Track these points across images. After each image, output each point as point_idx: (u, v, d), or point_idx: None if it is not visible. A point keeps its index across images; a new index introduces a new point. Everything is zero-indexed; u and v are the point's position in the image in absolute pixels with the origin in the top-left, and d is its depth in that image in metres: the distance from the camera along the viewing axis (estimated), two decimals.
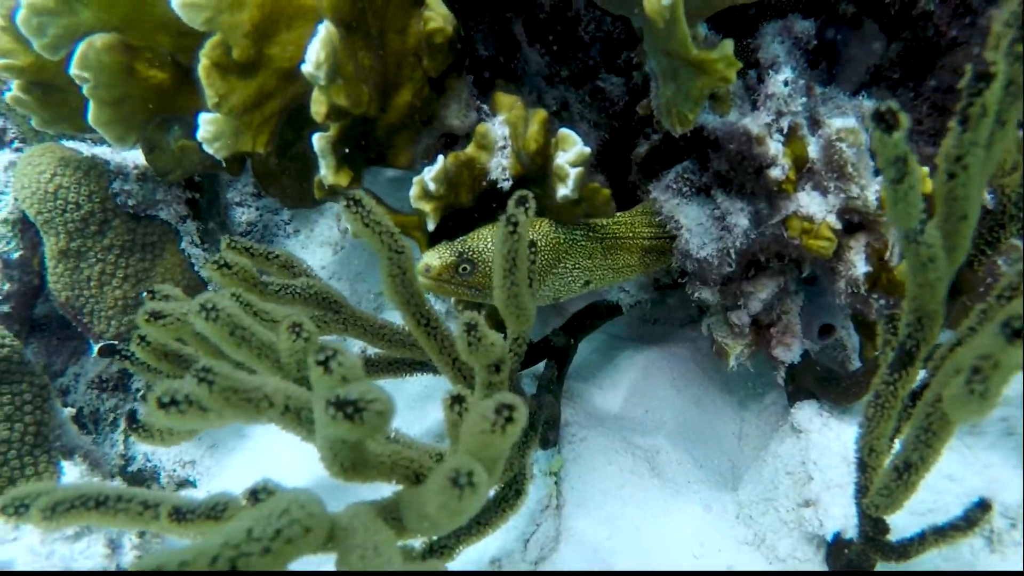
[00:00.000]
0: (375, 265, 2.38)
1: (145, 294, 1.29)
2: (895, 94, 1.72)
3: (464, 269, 1.43)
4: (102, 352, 1.92)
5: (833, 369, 1.69)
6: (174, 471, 2.06)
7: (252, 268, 1.29)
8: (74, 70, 1.41)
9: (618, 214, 1.65)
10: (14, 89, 1.59)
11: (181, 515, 0.85)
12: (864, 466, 1.16)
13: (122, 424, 2.05)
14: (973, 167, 0.87)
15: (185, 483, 2.05)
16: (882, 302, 1.48)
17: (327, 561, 0.79)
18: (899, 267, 1.44)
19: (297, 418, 0.80)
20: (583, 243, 1.57)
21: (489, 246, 1.45)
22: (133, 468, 2.05)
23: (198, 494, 1.97)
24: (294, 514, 0.61)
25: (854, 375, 1.62)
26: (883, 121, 0.79)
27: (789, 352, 1.65)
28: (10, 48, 1.53)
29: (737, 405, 1.94)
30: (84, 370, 2.12)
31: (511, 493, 1.28)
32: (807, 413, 1.66)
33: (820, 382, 1.67)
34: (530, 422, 1.41)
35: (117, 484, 1.74)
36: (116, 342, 1.90)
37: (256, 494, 0.82)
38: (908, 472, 1.05)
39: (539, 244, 1.50)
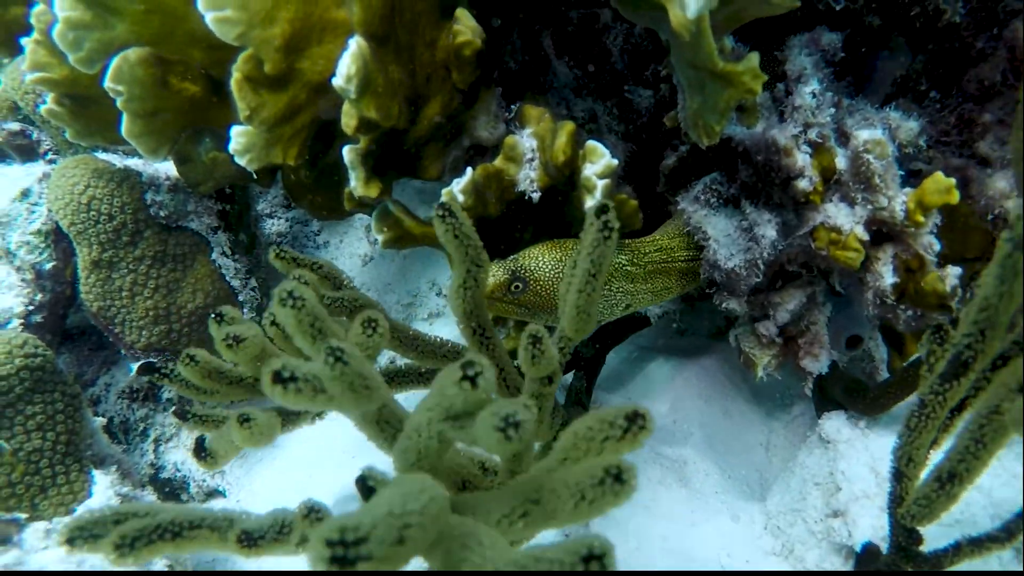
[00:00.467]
0: (403, 276, 2.42)
1: (212, 317, 1.31)
2: (922, 106, 1.72)
3: (516, 287, 1.44)
4: (142, 370, 1.95)
5: (861, 380, 1.68)
6: (203, 481, 2.08)
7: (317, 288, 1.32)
8: (108, 83, 1.44)
9: (657, 238, 1.65)
10: (49, 102, 1.62)
11: (252, 540, 0.86)
12: (900, 476, 1.16)
13: (188, 446, 2.09)
14: None
15: (215, 493, 2.08)
16: (909, 313, 1.47)
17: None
18: (928, 277, 1.43)
19: (381, 422, 0.80)
20: (627, 268, 1.57)
21: (541, 265, 1.45)
22: (163, 476, 2.08)
23: (228, 503, 1.99)
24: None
25: (882, 386, 1.62)
26: None
27: (816, 363, 1.65)
28: (46, 62, 1.56)
29: (765, 416, 1.94)
30: (115, 380, 2.15)
31: None
32: (835, 424, 1.65)
33: (848, 393, 1.66)
34: (560, 431, 1.41)
35: (164, 502, 1.76)
36: (155, 360, 1.93)
37: (311, 513, 0.83)
38: (952, 483, 1.04)
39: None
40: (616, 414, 0.69)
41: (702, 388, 1.96)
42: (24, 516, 1.51)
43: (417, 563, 0.68)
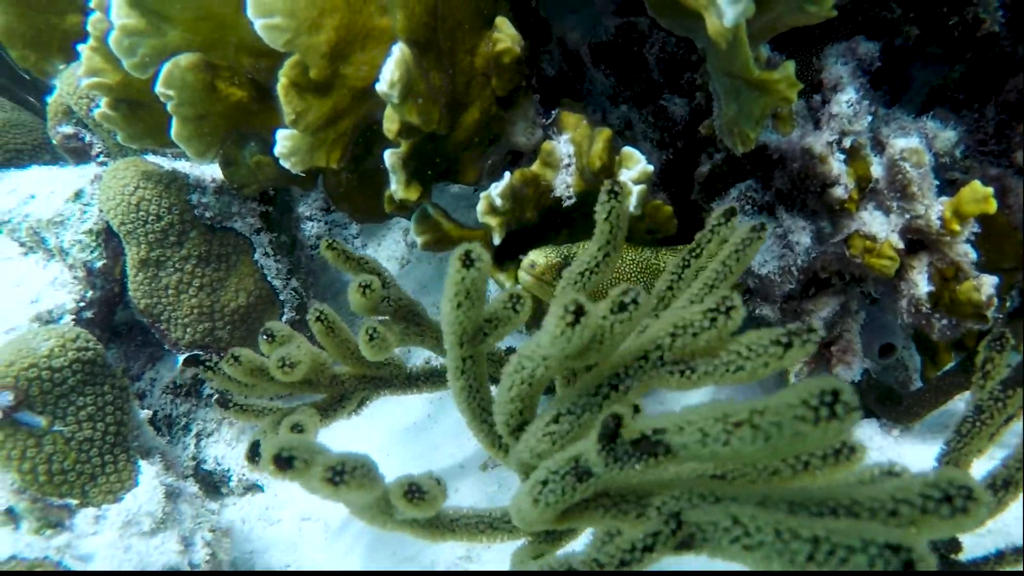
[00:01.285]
0: (439, 279, 2.45)
1: (264, 337, 1.36)
2: (960, 115, 1.71)
3: None
4: (188, 363, 2.01)
5: (894, 388, 1.68)
6: (243, 475, 2.13)
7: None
8: (160, 88, 1.49)
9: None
10: (102, 106, 1.68)
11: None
12: None
13: (227, 440, 2.15)
14: None
15: (254, 487, 2.13)
16: (944, 322, 1.47)
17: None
18: (963, 286, 1.43)
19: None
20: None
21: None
22: (205, 469, 2.13)
23: (266, 498, 2.04)
24: None
25: (916, 395, 1.61)
26: None
27: (849, 371, 1.65)
28: (100, 67, 1.62)
29: None
30: (160, 376, 2.21)
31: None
32: (867, 432, 1.65)
33: (881, 401, 1.66)
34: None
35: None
36: (201, 352, 1.99)
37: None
38: (1006, 490, 1.05)
39: (637, 265, 1.55)
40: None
41: (733, 393, 1.96)
42: (75, 502, 1.57)
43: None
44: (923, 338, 1.69)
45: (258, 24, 1.27)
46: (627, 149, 1.50)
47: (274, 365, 1.29)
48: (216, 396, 1.61)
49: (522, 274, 1.46)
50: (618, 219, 1.00)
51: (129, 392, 1.73)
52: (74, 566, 1.52)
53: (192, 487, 1.81)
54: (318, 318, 1.36)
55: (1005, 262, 1.63)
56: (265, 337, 1.42)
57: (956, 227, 1.39)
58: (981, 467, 1.15)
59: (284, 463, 0.74)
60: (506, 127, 1.56)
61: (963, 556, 1.22)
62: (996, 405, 1.07)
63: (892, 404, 1.65)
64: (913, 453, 1.61)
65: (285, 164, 1.46)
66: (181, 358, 2.01)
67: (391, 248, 2.56)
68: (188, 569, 1.62)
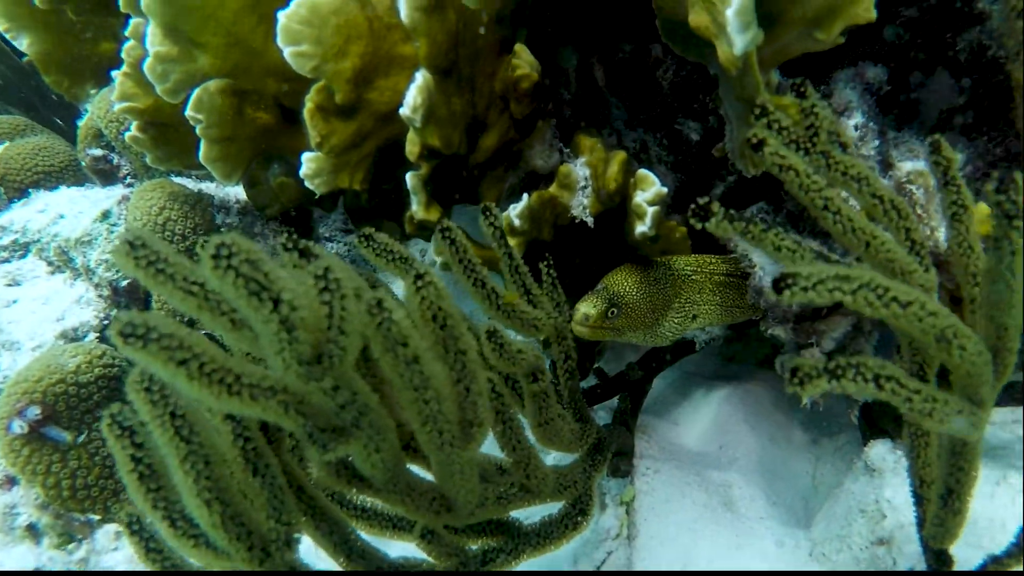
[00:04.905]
0: (457, 299, 2.48)
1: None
2: (969, 139, 1.74)
3: (612, 313, 1.55)
4: None
5: None
6: None
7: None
8: (189, 112, 1.55)
9: (725, 256, 1.71)
10: (133, 129, 1.74)
11: None
12: (920, 499, 1.18)
13: None
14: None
15: None
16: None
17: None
18: None
19: None
20: (694, 277, 1.65)
21: (629, 290, 1.57)
22: None
23: None
24: None
25: None
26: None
27: None
28: (133, 92, 1.68)
29: (812, 443, 1.95)
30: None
31: (576, 512, 1.33)
32: (880, 451, 1.66)
33: (894, 420, 1.68)
34: (598, 446, 1.47)
35: None
36: None
37: None
38: (951, 498, 1.06)
39: (661, 280, 1.62)
40: None
41: (748, 414, 1.99)
42: (97, 518, 1.60)
43: None
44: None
45: (287, 51, 1.32)
46: (642, 172, 1.54)
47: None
48: None
49: (578, 328, 1.53)
50: None
51: None
52: None
53: None
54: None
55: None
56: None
57: None
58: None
59: None
60: (524, 150, 1.60)
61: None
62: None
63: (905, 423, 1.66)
64: None
65: (310, 185, 1.50)
66: None
67: None
68: None
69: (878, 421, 1.72)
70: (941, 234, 1.44)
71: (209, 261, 0.63)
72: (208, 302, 0.69)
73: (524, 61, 1.47)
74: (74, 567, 1.60)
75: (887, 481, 1.62)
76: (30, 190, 2.33)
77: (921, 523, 1.20)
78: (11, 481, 1.62)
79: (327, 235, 2.59)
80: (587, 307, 1.54)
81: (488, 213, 1.19)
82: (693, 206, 0.90)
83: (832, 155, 0.98)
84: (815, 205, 0.94)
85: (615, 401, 1.92)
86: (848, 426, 1.89)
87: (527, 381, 1.13)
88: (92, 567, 1.62)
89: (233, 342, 0.74)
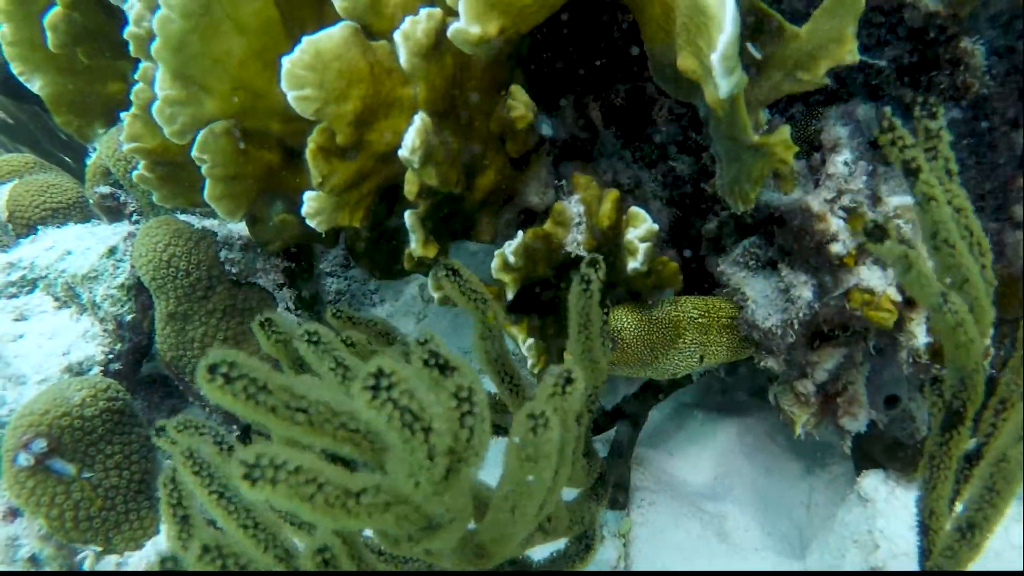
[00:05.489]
0: (454, 334, 2.53)
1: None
2: (960, 171, 1.78)
3: (606, 345, 1.56)
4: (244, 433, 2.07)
5: (898, 439, 1.72)
6: None
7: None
8: (196, 152, 1.59)
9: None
10: (141, 168, 1.78)
11: None
12: (926, 529, 1.20)
13: None
14: (951, 239, 1.00)
15: None
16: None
17: None
18: None
19: None
20: (699, 320, 1.67)
21: (626, 325, 1.59)
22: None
23: None
24: None
25: (919, 445, 1.65)
26: (873, 234, 0.90)
27: (855, 422, 1.69)
28: (141, 133, 1.73)
29: (806, 473, 1.97)
30: None
31: (580, 548, 1.35)
32: (873, 482, 1.69)
33: (886, 451, 1.70)
34: (600, 480, 1.49)
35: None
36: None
37: None
38: (972, 532, 1.08)
39: (663, 320, 1.64)
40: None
41: (743, 445, 2.01)
42: (99, 549, 1.62)
43: None
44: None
45: (290, 95, 1.36)
46: (633, 209, 1.58)
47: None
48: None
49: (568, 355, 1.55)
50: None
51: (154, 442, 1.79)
52: None
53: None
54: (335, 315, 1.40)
55: (1008, 313, 1.69)
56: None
57: None
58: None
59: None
60: (520, 188, 1.64)
61: None
62: (941, 450, 1.11)
63: (897, 454, 1.69)
64: None
65: (311, 223, 1.54)
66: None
67: (408, 303, 2.64)
68: None
69: (871, 452, 1.74)
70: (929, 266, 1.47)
71: (366, 393, 0.65)
72: (312, 425, 0.70)
73: (520, 102, 1.52)
74: None
75: (880, 511, 1.64)
76: (38, 227, 2.37)
77: (925, 554, 1.22)
78: (14, 513, 1.64)
79: (328, 270, 2.63)
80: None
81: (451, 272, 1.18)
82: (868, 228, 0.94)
83: (945, 183, 1.04)
84: (939, 237, 1.01)
85: (610, 432, 1.95)
86: (841, 457, 1.91)
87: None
88: None
89: (325, 446, 0.74)
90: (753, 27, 1.32)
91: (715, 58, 1.12)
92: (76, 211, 2.60)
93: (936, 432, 1.12)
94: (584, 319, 1.11)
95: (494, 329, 1.21)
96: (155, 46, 1.44)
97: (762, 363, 1.70)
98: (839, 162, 1.56)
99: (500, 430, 1.72)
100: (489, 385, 1.59)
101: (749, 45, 1.32)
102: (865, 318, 1.51)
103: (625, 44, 1.72)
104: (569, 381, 0.77)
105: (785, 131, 1.27)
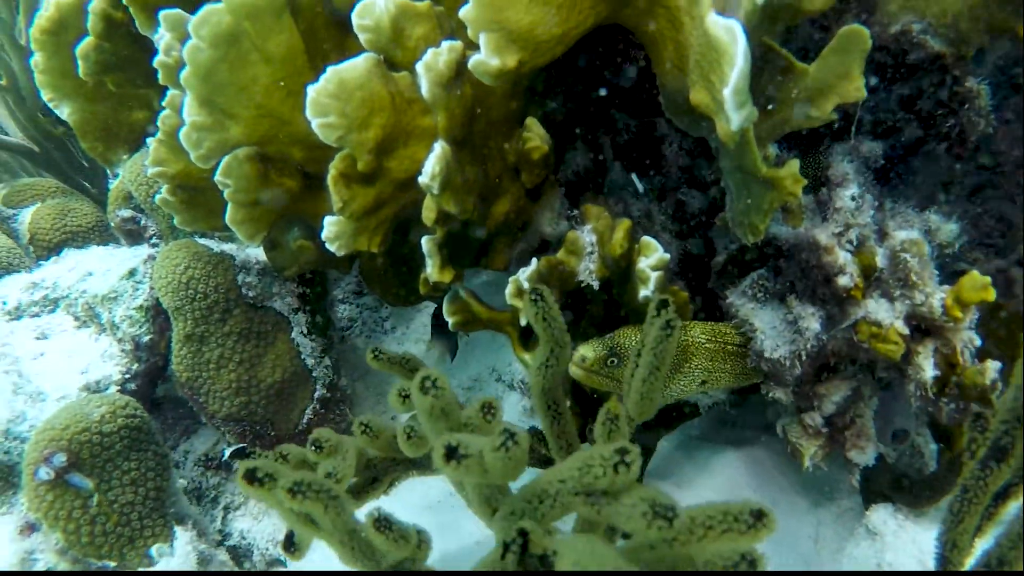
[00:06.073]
0: (465, 363, 2.56)
1: (312, 448, 1.42)
2: (964, 209, 1.82)
3: (612, 362, 1.57)
4: (235, 455, 2.10)
5: (907, 473, 1.72)
6: (267, 550, 2.19)
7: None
8: (219, 177, 1.63)
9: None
10: (164, 192, 1.83)
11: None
12: (945, 561, 1.21)
13: (255, 514, 2.21)
14: None
15: (276, 562, 2.18)
16: (952, 406, 1.54)
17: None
18: (968, 371, 1.50)
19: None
20: (707, 345, 1.69)
21: (634, 344, 1.59)
22: (230, 544, 2.19)
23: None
24: None
25: (930, 478, 1.66)
26: None
27: (863, 455, 1.70)
28: (165, 158, 1.78)
29: (813, 507, 1.98)
30: (193, 448, 2.30)
31: None
32: (882, 516, 1.69)
33: (895, 485, 1.71)
34: None
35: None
36: (246, 445, 2.08)
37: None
38: (1001, 568, 1.09)
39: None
40: (741, 509, 0.78)
41: (751, 477, 2.02)
42: (113, 564, 1.64)
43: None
44: (937, 425, 1.74)
45: (315, 122, 1.41)
46: (645, 238, 1.61)
47: (321, 478, 1.32)
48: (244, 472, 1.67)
49: (574, 368, 1.56)
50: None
51: (170, 459, 1.82)
52: None
53: (223, 555, 1.87)
54: (363, 431, 1.42)
55: (1014, 349, 1.71)
56: (314, 448, 1.47)
57: (958, 313, 1.47)
58: None
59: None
60: (534, 217, 1.68)
61: None
62: (978, 484, 1.13)
63: (906, 488, 1.69)
64: (928, 537, 1.65)
65: (331, 247, 1.58)
66: (228, 451, 2.10)
67: (419, 331, 2.67)
68: None
69: (879, 486, 1.75)
70: (936, 300, 1.50)
71: (508, 556, 0.73)
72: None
73: (535, 133, 1.56)
74: None
75: (888, 545, 1.64)
76: (60, 249, 2.43)
77: None
78: (31, 528, 1.66)
79: (340, 297, 2.67)
80: (586, 350, 1.57)
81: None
82: None
83: None
84: None
85: None
86: (850, 490, 1.91)
87: None
88: None
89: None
90: (763, 64, 1.36)
91: (727, 92, 1.16)
92: (95, 235, 2.66)
93: (976, 466, 1.13)
94: (659, 361, 1.12)
95: (562, 364, 1.23)
96: (184, 74, 1.50)
97: (770, 394, 1.71)
98: (846, 197, 1.59)
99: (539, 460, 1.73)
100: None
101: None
102: (872, 350, 1.54)
103: (638, 80, 1.77)
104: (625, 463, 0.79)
105: (794, 165, 1.31)
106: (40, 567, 1.60)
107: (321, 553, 1.97)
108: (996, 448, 1.10)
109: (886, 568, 1.62)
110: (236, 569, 1.94)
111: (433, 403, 0.95)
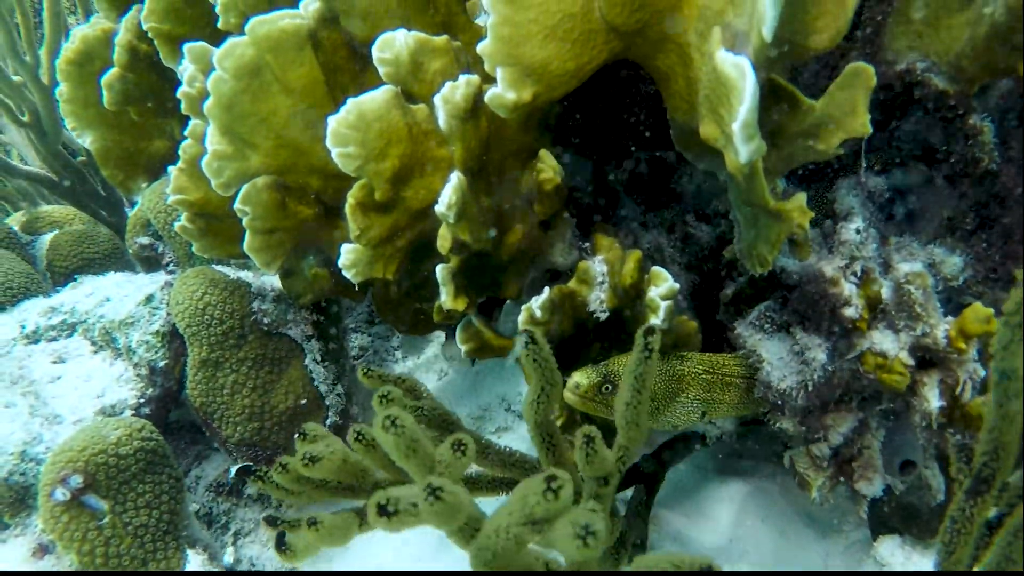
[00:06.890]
0: (475, 392, 2.58)
1: (298, 436, 1.43)
2: (968, 244, 1.84)
3: (606, 389, 1.59)
4: (240, 473, 2.12)
5: (915, 504, 1.73)
6: None
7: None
8: (238, 204, 1.68)
9: (737, 355, 1.79)
10: (183, 219, 1.87)
11: None
12: None
13: (264, 541, 2.22)
14: None
15: None
16: (958, 437, 1.55)
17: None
18: (972, 403, 1.51)
19: (464, 528, 0.94)
20: (704, 376, 1.71)
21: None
22: (239, 570, 2.20)
23: None
24: None
25: (937, 510, 1.67)
26: None
27: (871, 486, 1.71)
28: (185, 186, 1.83)
29: (821, 538, 1.98)
30: (205, 473, 2.32)
31: None
32: (889, 547, 1.70)
33: (902, 517, 1.71)
34: (620, 541, 1.51)
35: None
36: (252, 464, 2.10)
37: None
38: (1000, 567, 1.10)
39: (668, 373, 1.67)
40: (692, 562, 0.78)
41: (758, 508, 2.02)
42: None
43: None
44: (945, 456, 1.75)
45: (335, 152, 1.45)
46: (655, 269, 1.65)
47: (298, 460, 1.33)
48: (264, 515, 1.67)
49: (568, 394, 1.58)
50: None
51: (183, 483, 1.84)
52: None
53: None
54: (357, 438, 1.43)
55: None
56: (300, 436, 1.47)
57: (962, 345, 1.50)
58: None
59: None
60: (546, 247, 1.71)
61: None
62: (964, 515, 1.13)
63: (913, 519, 1.70)
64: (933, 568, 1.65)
65: (347, 274, 1.61)
66: (234, 469, 2.12)
67: (430, 360, 2.70)
68: None
69: (887, 517, 1.76)
70: (940, 331, 1.52)
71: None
72: None
73: (548, 165, 1.60)
74: None
75: None
76: (76, 275, 2.47)
77: None
78: (44, 549, 1.68)
79: (352, 326, 2.70)
80: (581, 376, 1.59)
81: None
82: None
83: None
84: None
85: (628, 492, 1.97)
86: (857, 522, 1.92)
87: (599, 485, 1.18)
88: None
89: None
90: (771, 99, 1.40)
91: (736, 126, 1.19)
92: (112, 262, 2.71)
93: (961, 497, 1.15)
94: (640, 384, 1.15)
95: (553, 401, 1.26)
96: (207, 104, 1.54)
97: (777, 424, 1.73)
98: (851, 230, 1.63)
99: (515, 485, 1.74)
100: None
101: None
102: (878, 381, 1.56)
103: (648, 114, 1.81)
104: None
105: (801, 198, 1.34)
106: None
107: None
108: (979, 479, 1.11)
109: None
110: None
111: (397, 440, 0.97)
